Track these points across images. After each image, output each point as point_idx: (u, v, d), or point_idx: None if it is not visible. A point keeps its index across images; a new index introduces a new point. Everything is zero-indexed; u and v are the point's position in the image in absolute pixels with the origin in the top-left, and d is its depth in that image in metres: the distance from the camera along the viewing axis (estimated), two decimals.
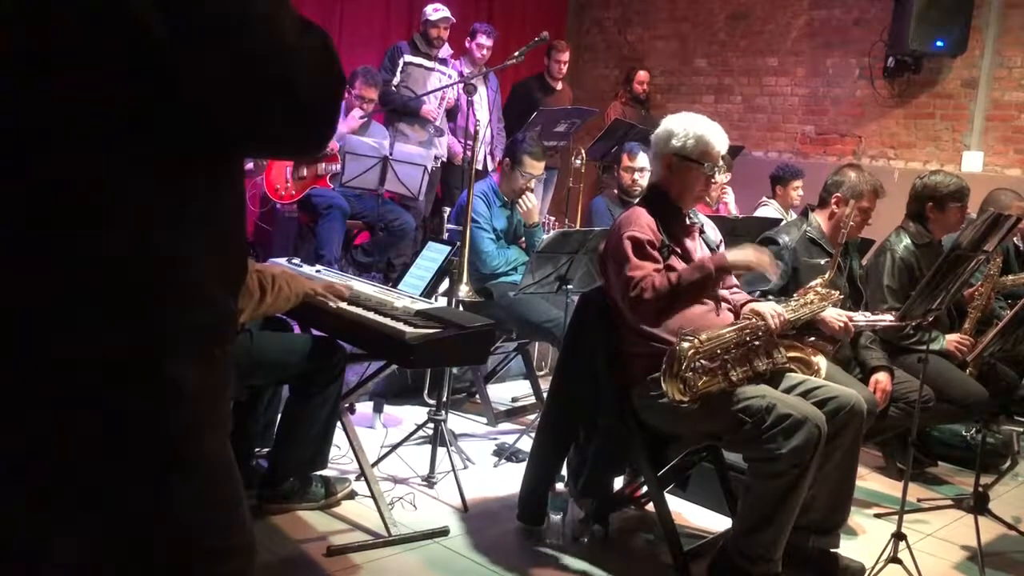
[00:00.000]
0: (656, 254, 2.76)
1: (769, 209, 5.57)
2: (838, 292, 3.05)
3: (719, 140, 2.87)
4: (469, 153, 5.81)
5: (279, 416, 3.18)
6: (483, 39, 6.32)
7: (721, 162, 2.90)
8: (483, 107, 6.29)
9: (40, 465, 1.04)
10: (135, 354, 1.04)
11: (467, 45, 6.41)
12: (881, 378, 3.43)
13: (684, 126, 2.87)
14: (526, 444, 3.67)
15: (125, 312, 1.04)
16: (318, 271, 3.30)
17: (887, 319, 3.18)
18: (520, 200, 4.30)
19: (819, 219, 3.54)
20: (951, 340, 3.80)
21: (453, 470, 3.32)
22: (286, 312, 2.97)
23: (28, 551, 1.09)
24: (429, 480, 3.44)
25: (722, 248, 3.06)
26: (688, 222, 2.94)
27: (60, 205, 1.01)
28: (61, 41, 0.99)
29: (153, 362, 1.05)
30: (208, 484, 1.12)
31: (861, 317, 3.19)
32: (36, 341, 1.02)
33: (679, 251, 2.85)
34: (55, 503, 1.05)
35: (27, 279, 1.01)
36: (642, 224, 2.78)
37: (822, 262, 3.39)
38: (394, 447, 3.57)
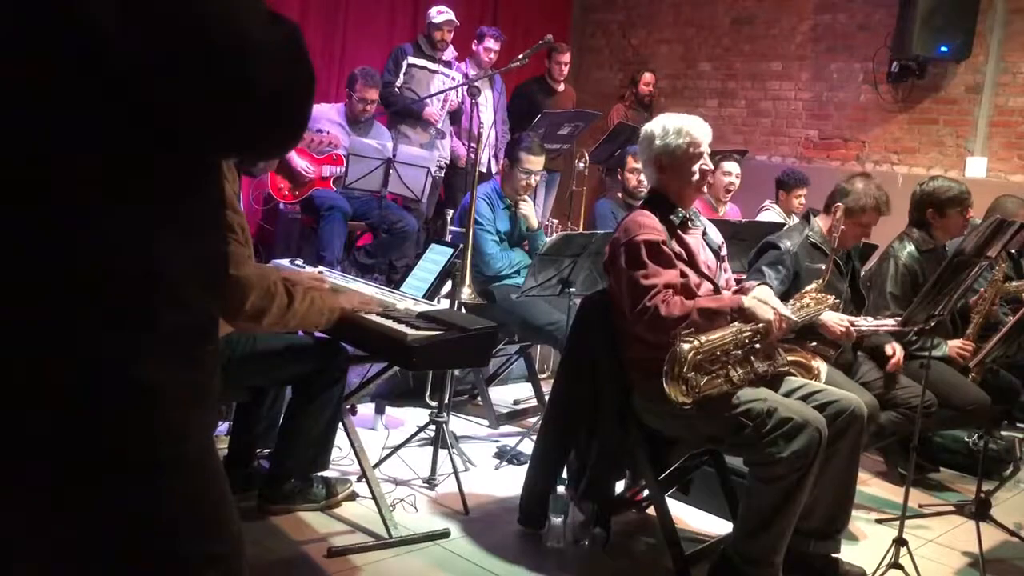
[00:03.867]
0: (672, 255, 2.76)
1: (771, 213, 5.57)
2: (834, 296, 3.05)
3: (701, 130, 2.89)
4: (473, 155, 5.82)
5: (281, 417, 3.18)
6: (491, 43, 6.33)
7: (707, 149, 2.90)
8: (488, 109, 6.30)
9: (18, 467, 1.03)
10: (110, 355, 1.03)
11: (474, 48, 6.41)
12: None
13: (663, 124, 2.89)
14: (527, 447, 3.67)
15: (100, 313, 1.03)
16: (320, 272, 3.30)
17: (889, 323, 3.18)
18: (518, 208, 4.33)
19: (821, 224, 3.53)
20: (953, 346, 3.80)
21: (454, 472, 3.32)
22: None
23: (7, 552, 1.08)
24: (430, 482, 3.44)
25: (724, 250, 3.06)
26: (691, 224, 2.94)
27: (31, 208, 1.01)
28: (17, 43, 0.99)
29: (129, 363, 1.04)
30: (192, 485, 1.11)
31: (863, 322, 3.19)
32: (11, 341, 1.01)
33: (684, 253, 2.85)
34: (35, 506, 1.04)
35: (6, 281, 1.01)
36: (653, 226, 2.78)
37: (823, 267, 3.39)
38: (395, 449, 3.57)
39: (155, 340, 1.06)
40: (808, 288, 3.04)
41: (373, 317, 2.73)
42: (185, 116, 1.03)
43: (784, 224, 4.81)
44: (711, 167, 2.97)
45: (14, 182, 1.00)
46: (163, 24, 0.98)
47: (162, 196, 1.06)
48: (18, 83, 1.00)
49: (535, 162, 4.30)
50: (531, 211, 4.40)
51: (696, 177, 2.88)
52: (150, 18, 0.98)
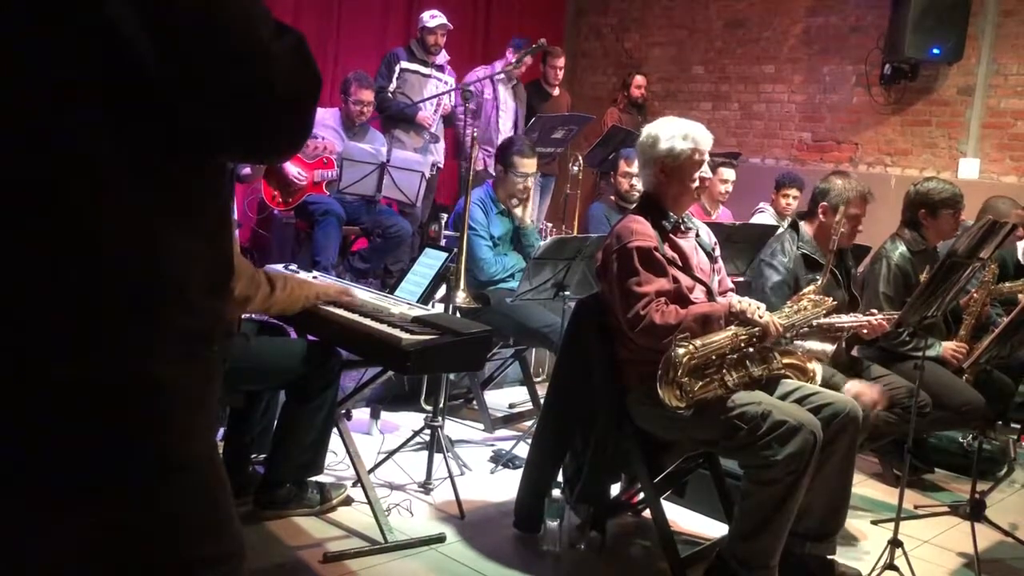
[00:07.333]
0: (664, 262, 2.77)
1: (765, 216, 5.58)
2: (832, 299, 3.05)
3: (704, 136, 2.90)
4: (487, 158, 5.94)
5: (275, 422, 3.17)
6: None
7: (708, 157, 2.92)
8: (508, 115, 6.50)
9: (26, 468, 1.04)
10: (121, 357, 1.04)
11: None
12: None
13: (668, 128, 2.90)
14: (523, 450, 3.66)
15: (110, 315, 1.04)
16: (315, 277, 3.30)
17: (863, 319, 3.16)
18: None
19: (808, 230, 3.52)
20: (947, 347, 3.80)
21: (450, 476, 3.32)
22: (284, 317, 2.99)
23: (16, 552, 1.08)
24: (426, 487, 3.43)
25: (717, 251, 3.07)
26: (684, 227, 2.95)
27: (51, 209, 1.02)
28: (37, 46, 1.00)
29: (140, 364, 1.05)
30: (198, 486, 1.12)
31: (848, 318, 3.18)
32: (25, 341, 1.02)
33: (677, 258, 2.85)
34: (43, 506, 1.05)
35: (12, 284, 1.02)
36: (645, 232, 2.79)
37: (819, 276, 3.38)
38: (391, 453, 3.57)
39: (166, 341, 1.07)
40: (806, 290, 3.04)
41: (368, 321, 2.74)
42: (205, 120, 1.06)
43: (778, 227, 4.82)
44: (710, 175, 2.98)
45: (34, 184, 1.01)
46: (186, 32, 1.01)
47: (177, 198, 1.08)
48: (37, 87, 1.01)
49: (529, 164, 4.32)
50: (526, 210, 4.43)
51: (696, 184, 2.90)
52: (173, 26, 1.00)
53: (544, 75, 6.92)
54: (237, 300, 2.47)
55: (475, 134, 4.42)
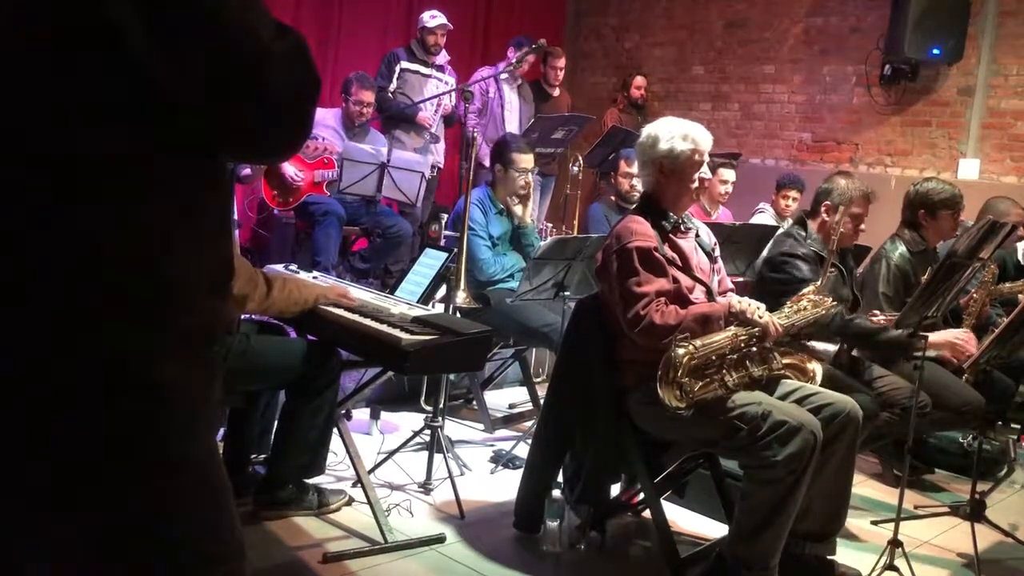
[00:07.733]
0: (664, 262, 2.77)
1: (765, 216, 5.58)
2: (831, 299, 3.05)
3: (704, 137, 2.90)
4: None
5: (275, 422, 3.17)
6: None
7: (708, 158, 2.93)
8: (513, 115, 6.49)
9: (26, 468, 1.04)
10: (123, 355, 1.05)
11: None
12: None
13: (668, 128, 2.90)
14: (523, 451, 3.66)
15: (110, 315, 1.04)
16: (315, 277, 3.30)
17: (878, 320, 3.17)
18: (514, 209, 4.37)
19: (813, 228, 3.53)
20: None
21: (450, 477, 3.32)
22: (283, 318, 2.99)
23: (16, 553, 1.09)
24: (426, 487, 3.43)
25: (717, 251, 3.07)
26: (684, 227, 2.95)
27: (43, 210, 1.02)
28: (37, 43, 1.01)
29: (141, 364, 1.05)
30: (198, 486, 1.13)
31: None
32: (22, 344, 1.02)
33: (677, 258, 2.85)
34: (43, 506, 1.05)
35: (12, 284, 1.02)
36: (645, 233, 2.79)
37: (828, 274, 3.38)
38: (391, 454, 3.57)
39: (166, 341, 1.07)
40: (805, 290, 3.04)
41: (368, 321, 2.74)
42: (205, 120, 1.07)
43: (778, 227, 4.81)
44: (710, 176, 2.98)
45: (34, 184, 1.02)
46: (186, 33, 1.02)
47: (177, 198, 1.09)
48: (37, 89, 1.01)
49: (527, 160, 4.33)
50: (526, 209, 4.43)
51: (695, 184, 2.89)
52: (173, 26, 1.01)
53: (544, 75, 6.92)
54: (235, 299, 2.47)
55: (475, 133, 4.42)
